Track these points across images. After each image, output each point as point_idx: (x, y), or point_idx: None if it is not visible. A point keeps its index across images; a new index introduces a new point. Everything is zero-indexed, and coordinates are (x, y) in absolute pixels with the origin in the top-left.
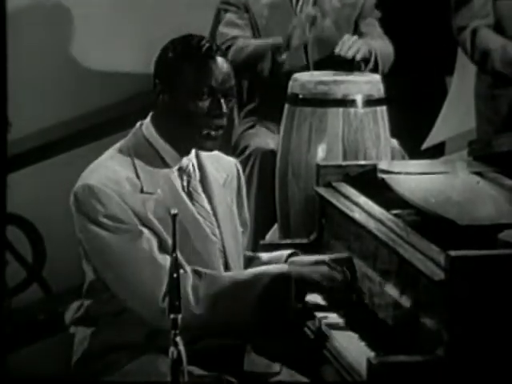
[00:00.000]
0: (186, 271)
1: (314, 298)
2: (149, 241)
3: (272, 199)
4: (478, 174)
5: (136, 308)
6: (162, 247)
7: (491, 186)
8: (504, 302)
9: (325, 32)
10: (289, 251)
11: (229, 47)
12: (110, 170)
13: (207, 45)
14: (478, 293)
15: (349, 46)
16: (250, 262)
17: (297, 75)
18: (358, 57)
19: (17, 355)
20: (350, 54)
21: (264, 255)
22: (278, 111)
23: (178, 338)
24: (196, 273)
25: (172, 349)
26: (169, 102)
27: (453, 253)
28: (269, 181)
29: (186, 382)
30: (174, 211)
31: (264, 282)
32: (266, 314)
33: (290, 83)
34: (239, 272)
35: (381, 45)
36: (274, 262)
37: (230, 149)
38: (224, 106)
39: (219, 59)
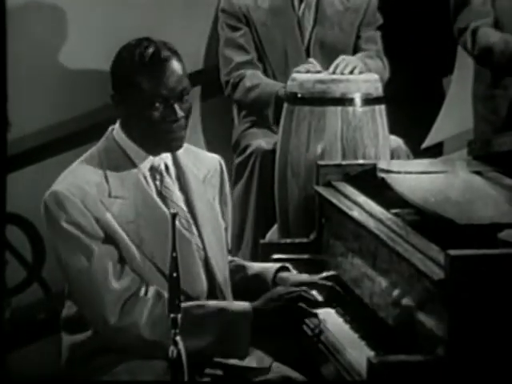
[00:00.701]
0: (146, 293)
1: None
2: (104, 261)
3: (272, 198)
4: (478, 173)
5: (90, 324)
6: (122, 259)
7: (491, 185)
8: (504, 301)
9: (328, 36)
10: (278, 265)
11: (236, 85)
12: (78, 177)
13: (152, 50)
14: (478, 292)
15: (345, 65)
16: (241, 270)
17: (295, 74)
18: (356, 73)
19: (17, 355)
20: (346, 73)
21: (255, 265)
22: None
23: (178, 338)
24: (158, 295)
25: (172, 348)
26: (126, 112)
27: (452, 252)
28: (269, 180)
29: (185, 381)
30: (173, 211)
31: (223, 319)
32: (220, 351)
33: (289, 82)
34: (201, 303)
35: (376, 66)
36: (264, 275)
37: (230, 148)
38: (178, 111)
39: (167, 64)
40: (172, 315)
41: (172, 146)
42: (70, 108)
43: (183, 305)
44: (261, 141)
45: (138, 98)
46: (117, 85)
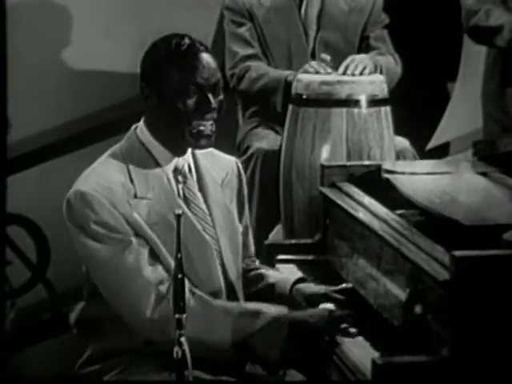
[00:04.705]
0: None
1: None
2: (138, 252)
3: (274, 199)
4: (483, 174)
5: (124, 318)
6: (154, 254)
7: (496, 186)
8: (508, 302)
9: (333, 37)
10: (296, 277)
11: (242, 76)
12: (102, 176)
13: (188, 42)
14: (483, 293)
15: (355, 65)
16: (260, 279)
17: (301, 75)
18: (366, 73)
19: (21, 355)
20: (357, 73)
21: (271, 276)
22: (282, 113)
23: (183, 339)
24: (190, 292)
25: (176, 349)
26: (157, 103)
27: (457, 253)
28: (270, 180)
29: (190, 382)
30: (178, 211)
31: (259, 322)
32: (250, 354)
33: (294, 84)
34: (233, 304)
35: (388, 61)
36: (281, 287)
37: (235, 149)
38: (212, 101)
39: (202, 55)
40: (177, 316)
41: (200, 143)
42: (71, 110)
43: (219, 302)
44: (262, 142)
45: (172, 86)
46: (149, 76)
